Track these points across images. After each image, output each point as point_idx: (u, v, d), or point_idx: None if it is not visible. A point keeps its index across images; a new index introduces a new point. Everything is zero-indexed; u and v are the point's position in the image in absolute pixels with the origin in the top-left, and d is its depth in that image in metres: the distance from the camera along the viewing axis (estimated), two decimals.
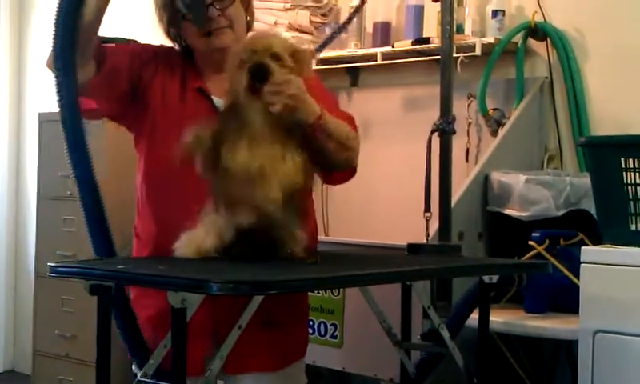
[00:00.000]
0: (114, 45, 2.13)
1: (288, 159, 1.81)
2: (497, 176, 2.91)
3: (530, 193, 2.81)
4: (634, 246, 2.26)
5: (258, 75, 1.81)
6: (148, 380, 1.87)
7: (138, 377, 1.86)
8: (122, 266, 1.76)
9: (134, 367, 2.16)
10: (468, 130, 3.31)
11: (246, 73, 1.81)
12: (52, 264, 1.83)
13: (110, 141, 3.75)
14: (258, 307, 1.96)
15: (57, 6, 1.92)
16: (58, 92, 1.97)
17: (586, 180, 2.68)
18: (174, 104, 2.12)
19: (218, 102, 2.09)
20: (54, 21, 1.92)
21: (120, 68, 2.10)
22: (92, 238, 2.00)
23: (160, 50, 2.20)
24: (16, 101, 5.52)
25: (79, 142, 2.00)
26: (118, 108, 2.17)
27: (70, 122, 1.98)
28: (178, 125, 1.94)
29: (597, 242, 2.41)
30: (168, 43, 2.22)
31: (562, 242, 2.68)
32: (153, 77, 2.13)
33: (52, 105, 4.32)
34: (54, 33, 1.94)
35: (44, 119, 4.09)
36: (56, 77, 1.96)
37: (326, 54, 3.66)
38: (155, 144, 2.13)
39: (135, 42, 2.22)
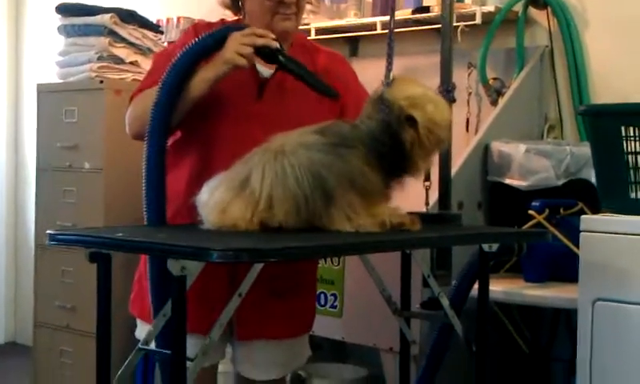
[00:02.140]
0: None
1: None
2: (497, 145, 2.90)
3: (529, 162, 2.81)
4: (634, 214, 2.25)
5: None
6: (149, 347, 1.88)
7: (139, 344, 1.87)
8: (120, 234, 1.76)
9: (136, 333, 2.18)
10: (468, 100, 3.29)
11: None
12: (51, 232, 1.83)
13: (108, 107, 3.74)
14: (269, 276, 2.00)
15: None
16: None
17: (586, 149, 2.67)
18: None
19: (262, 69, 2.14)
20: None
21: None
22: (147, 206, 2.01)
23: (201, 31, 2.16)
24: (14, 72, 5.50)
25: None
26: None
27: None
28: (220, 91, 2.03)
29: (597, 211, 2.41)
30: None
31: (561, 211, 2.67)
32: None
33: (49, 76, 4.32)
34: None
35: (42, 90, 4.07)
36: None
37: (326, 23, 3.65)
38: (194, 110, 2.10)
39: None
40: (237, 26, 2.07)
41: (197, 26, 2.24)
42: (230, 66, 1.99)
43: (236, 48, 1.98)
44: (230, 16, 2.29)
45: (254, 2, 2.16)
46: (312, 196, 1.82)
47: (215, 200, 1.86)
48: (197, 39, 2.02)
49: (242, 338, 2.19)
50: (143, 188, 2.01)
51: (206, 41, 2.01)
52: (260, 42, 1.99)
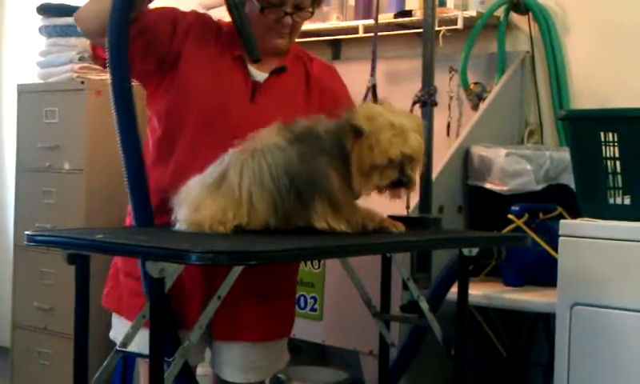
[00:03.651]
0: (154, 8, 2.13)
1: None
2: (477, 150, 2.91)
3: (510, 167, 2.82)
4: (612, 219, 2.27)
5: (400, 185, 1.86)
6: (126, 350, 1.87)
7: (117, 347, 1.86)
8: (100, 236, 1.75)
9: (111, 334, 2.17)
10: (449, 104, 3.30)
11: (393, 180, 1.84)
12: (29, 233, 1.82)
13: (89, 107, 3.72)
14: (249, 278, 2.01)
15: None
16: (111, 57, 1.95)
17: (565, 154, 2.69)
18: (208, 68, 2.12)
19: (254, 72, 2.15)
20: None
21: (159, 31, 2.11)
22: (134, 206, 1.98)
23: (194, 17, 2.20)
24: None
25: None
26: (150, 69, 2.15)
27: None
28: (214, 88, 2.04)
29: (576, 215, 2.42)
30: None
31: (541, 215, 2.69)
32: (186, 43, 2.13)
33: (30, 76, 4.29)
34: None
35: (22, 90, 4.05)
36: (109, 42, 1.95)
37: (308, 26, 3.64)
38: (184, 105, 2.11)
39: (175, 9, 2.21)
40: None
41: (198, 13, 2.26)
42: None
43: None
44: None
45: (251, 16, 2.14)
46: (288, 196, 1.83)
47: (190, 199, 1.86)
48: None
49: (221, 339, 2.18)
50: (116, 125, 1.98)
51: None
52: None
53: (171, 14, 2.17)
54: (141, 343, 1.82)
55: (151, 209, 1.99)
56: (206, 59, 2.14)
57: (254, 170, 1.84)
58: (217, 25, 2.22)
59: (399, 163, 1.82)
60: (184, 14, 2.19)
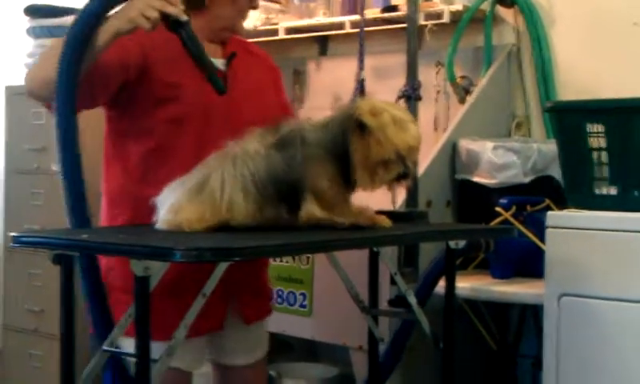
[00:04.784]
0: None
1: None
2: (465, 144, 2.92)
3: (497, 160, 2.82)
4: (599, 210, 2.28)
5: (403, 179, 1.86)
6: (113, 349, 1.86)
7: (103, 346, 1.86)
8: (85, 236, 1.75)
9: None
10: (436, 98, 3.31)
11: (397, 174, 1.84)
12: (15, 234, 1.81)
13: None
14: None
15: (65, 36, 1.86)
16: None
17: (552, 146, 2.69)
18: (179, 69, 2.04)
19: (216, 61, 2.08)
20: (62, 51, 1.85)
21: (106, 64, 1.98)
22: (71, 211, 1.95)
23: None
24: None
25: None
26: (113, 96, 2.09)
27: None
28: (195, 86, 1.99)
29: (563, 207, 2.43)
30: None
31: (528, 208, 2.69)
32: (146, 57, 2.04)
33: (19, 78, 4.28)
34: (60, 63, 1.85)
35: (11, 93, 4.03)
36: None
37: (295, 22, 3.64)
38: (179, 111, 2.07)
39: None
40: None
41: None
42: (133, 26, 1.85)
43: (143, 9, 1.84)
44: None
45: (227, 6, 2.14)
46: (273, 203, 1.83)
47: (171, 201, 1.85)
48: None
49: (253, 321, 2.24)
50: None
51: None
52: (169, 9, 1.86)
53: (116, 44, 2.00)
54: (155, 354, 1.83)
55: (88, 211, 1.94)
56: (172, 61, 2.05)
57: (235, 177, 1.82)
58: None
59: (403, 156, 1.83)
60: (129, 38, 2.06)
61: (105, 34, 1.86)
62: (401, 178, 1.86)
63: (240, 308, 2.22)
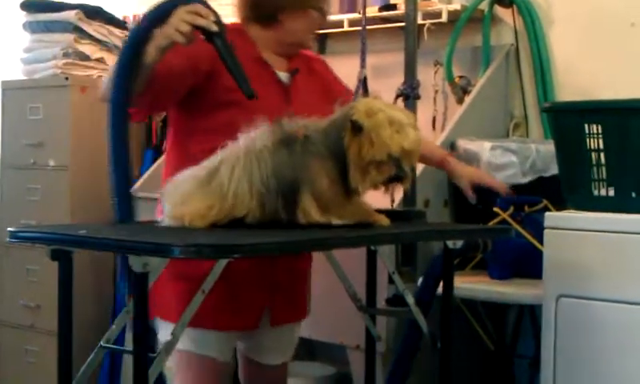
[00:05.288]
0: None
1: None
2: (463, 143, 2.92)
3: (495, 160, 2.82)
4: (597, 211, 2.28)
5: (397, 181, 1.86)
6: (111, 345, 1.86)
7: (101, 343, 1.85)
8: (83, 231, 1.74)
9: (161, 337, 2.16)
10: (434, 98, 3.30)
11: (391, 176, 1.83)
12: (12, 229, 1.81)
13: (73, 104, 3.71)
14: (299, 260, 2.27)
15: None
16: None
17: (550, 147, 2.69)
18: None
19: (281, 74, 2.23)
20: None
21: (175, 69, 2.07)
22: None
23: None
24: None
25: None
26: (182, 97, 2.17)
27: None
28: (260, 96, 2.01)
29: (561, 208, 2.43)
30: None
31: (526, 208, 2.69)
32: (211, 63, 2.09)
33: (14, 72, 4.26)
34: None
35: (7, 87, 4.03)
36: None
37: None
38: (215, 108, 2.14)
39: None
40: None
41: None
42: (169, 41, 1.95)
43: (176, 24, 1.94)
44: None
45: (299, 21, 2.23)
46: (275, 198, 1.84)
47: (179, 192, 1.87)
48: (149, 10, 2.00)
49: (280, 323, 2.29)
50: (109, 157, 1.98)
51: (156, 12, 1.98)
52: (200, 22, 1.94)
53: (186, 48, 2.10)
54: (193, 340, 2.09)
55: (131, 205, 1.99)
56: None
57: (245, 168, 1.85)
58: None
59: (397, 158, 1.82)
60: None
61: (152, 49, 1.96)
62: (394, 180, 1.85)
63: (276, 310, 2.26)
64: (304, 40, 2.28)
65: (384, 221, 1.93)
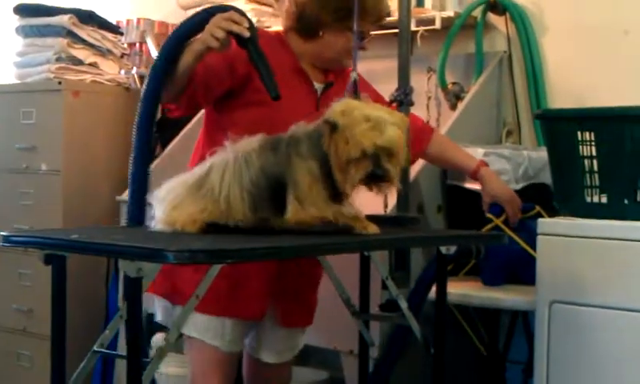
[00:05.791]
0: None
1: None
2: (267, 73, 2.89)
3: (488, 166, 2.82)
4: (590, 217, 2.28)
5: (377, 180, 1.84)
6: (104, 350, 1.86)
7: (94, 347, 1.85)
8: (75, 236, 1.74)
9: (158, 319, 2.30)
10: (427, 104, 3.31)
11: (367, 173, 1.82)
12: (5, 233, 1.81)
13: (66, 108, 3.71)
14: (308, 267, 2.32)
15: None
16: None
17: (543, 154, 2.69)
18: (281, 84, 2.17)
19: (317, 86, 2.34)
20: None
21: (215, 70, 2.20)
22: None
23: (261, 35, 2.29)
24: None
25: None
26: (218, 95, 2.27)
27: None
28: (290, 101, 2.13)
29: (554, 214, 2.44)
30: None
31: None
32: (247, 65, 2.16)
33: (6, 76, 4.25)
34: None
35: (0, 91, 4.01)
36: None
37: None
38: (271, 118, 2.16)
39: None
40: (221, 8, 2.14)
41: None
42: (205, 47, 2.07)
43: (212, 30, 2.05)
44: None
45: (338, 40, 2.32)
46: (265, 198, 1.85)
47: (171, 197, 1.88)
48: (186, 20, 2.18)
49: (288, 326, 2.38)
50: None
51: (192, 21, 2.14)
52: (234, 28, 2.05)
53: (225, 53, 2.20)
54: (199, 326, 2.18)
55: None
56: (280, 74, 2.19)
57: (234, 171, 1.87)
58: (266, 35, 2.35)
59: (374, 156, 1.81)
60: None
61: (189, 53, 2.10)
62: (374, 178, 1.82)
63: (282, 310, 2.34)
64: (341, 58, 2.36)
65: (371, 228, 1.91)
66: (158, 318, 2.31)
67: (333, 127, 1.83)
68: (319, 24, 2.31)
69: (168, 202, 1.88)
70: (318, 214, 1.85)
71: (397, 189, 1.91)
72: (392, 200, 2.59)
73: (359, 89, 2.35)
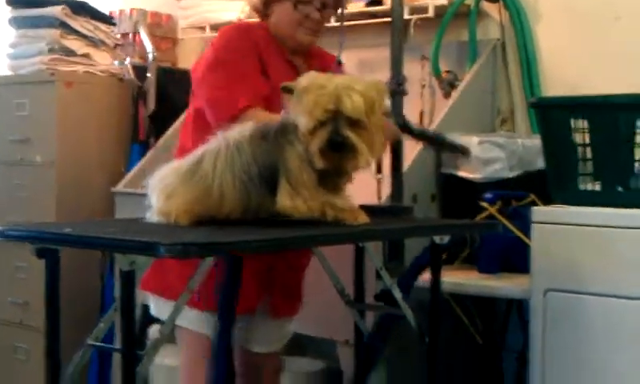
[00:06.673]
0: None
1: None
2: (450, 138, 2.91)
3: (483, 154, 2.82)
4: (583, 205, 2.28)
5: (337, 147, 1.78)
6: (98, 343, 1.86)
7: (88, 340, 1.85)
8: (68, 229, 1.74)
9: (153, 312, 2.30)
10: (422, 93, 3.31)
11: (324, 141, 1.78)
12: None
13: (59, 99, 3.70)
14: (297, 258, 2.31)
15: None
16: None
17: (537, 141, 2.68)
18: (275, 71, 2.23)
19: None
20: None
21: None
22: None
23: (249, 31, 2.31)
24: None
25: None
26: None
27: None
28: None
29: (548, 202, 2.44)
30: None
31: (513, 202, 2.69)
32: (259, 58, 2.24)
33: (1, 68, 4.22)
34: None
35: None
36: None
37: None
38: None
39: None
40: None
41: (240, 28, 2.36)
42: None
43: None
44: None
45: (282, 12, 2.28)
46: (257, 185, 1.84)
47: (163, 186, 1.87)
48: None
49: (282, 316, 2.40)
50: None
51: None
52: None
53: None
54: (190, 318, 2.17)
55: None
56: (271, 66, 2.25)
57: (227, 158, 1.85)
58: (249, 30, 2.33)
59: (332, 123, 1.77)
60: (244, 42, 2.26)
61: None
62: (334, 146, 1.77)
63: (272, 302, 2.34)
64: (292, 31, 2.28)
65: (361, 218, 1.89)
66: (153, 312, 2.32)
67: (289, 92, 1.83)
68: (265, 1, 2.30)
69: (161, 191, 1.87)
70: (309, 199, 1.82)
71: (365, 160, 1.81)
72: (385, 190, 2.59)
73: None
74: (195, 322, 2.23)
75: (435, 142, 2.14)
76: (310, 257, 2.38)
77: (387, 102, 2.01)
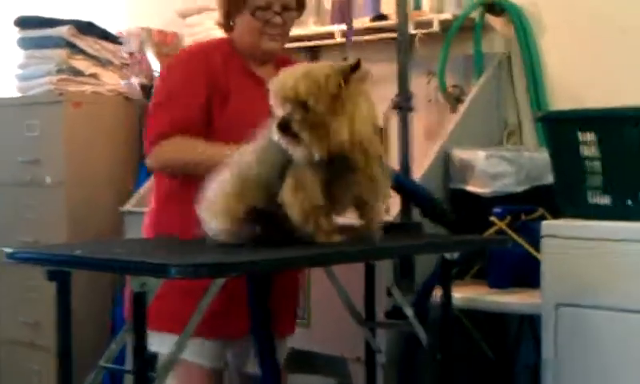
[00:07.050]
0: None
1: None
2: (458, 153, 2.91)
3: (491, 169, 2.82)
4: (593, 218, 2.28)
5: (284, 128, 1.78)
6: (110, 365, 1.86)
7: (100, 362, 1.85)
8: (79, 251, 1.74)
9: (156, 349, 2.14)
10: (428, 108, 3.31)
11: (277, 125, 1.79)
12: (9, 250, 1.81)
13: (67, 119, 3.72)
14: (292, 278, 2.30)
15: None
16: None
17: (545, 155, 2.68)
18: (237, 90, 2.23)
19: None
20: None
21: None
22: None
23: (205, 52, 2.31)
24: None
25: None
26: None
27: None
28: (246, 110, 2.12)
29: (558, 216, 2.43)
30: None
31: (522, 217, 2.69)
32: (215, 85, 2.23)
33: (10, 89, 4.25)
34: None
35: (2, 104, 4.02)
36: None
37: None
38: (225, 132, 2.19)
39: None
40: None
41: (193, 50, 2.39)
42: None
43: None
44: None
45: (243, 23, 2.28)
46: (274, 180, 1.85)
47: (218, 208, 1.87)
48: None
49: (284, 335, 2.39)
50: None
51: None
52: None
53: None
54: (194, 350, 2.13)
55: None
56: (233, 83, 2.25)
57: (247, 163, 1.89)
58: (204, 51, 2.33)
59: (287, 106, 1.77)
60: (198, 68, 2.26)
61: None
62: (283, 127, 1.76)
63: None
64: (256, 40, 2.28)
65: (334, 239, 1.86)
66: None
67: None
68: (225, 15, 2.32)
69: (206, 208, 1.89)
70: (309, 196, 1.80)
71: (307, 146, 1.77)
72: (395, 207, 2.59)
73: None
74: (189, 352, 2.07)
75: (424, 207, 2.15)
76: (305, 275, 2.38)
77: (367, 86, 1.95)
